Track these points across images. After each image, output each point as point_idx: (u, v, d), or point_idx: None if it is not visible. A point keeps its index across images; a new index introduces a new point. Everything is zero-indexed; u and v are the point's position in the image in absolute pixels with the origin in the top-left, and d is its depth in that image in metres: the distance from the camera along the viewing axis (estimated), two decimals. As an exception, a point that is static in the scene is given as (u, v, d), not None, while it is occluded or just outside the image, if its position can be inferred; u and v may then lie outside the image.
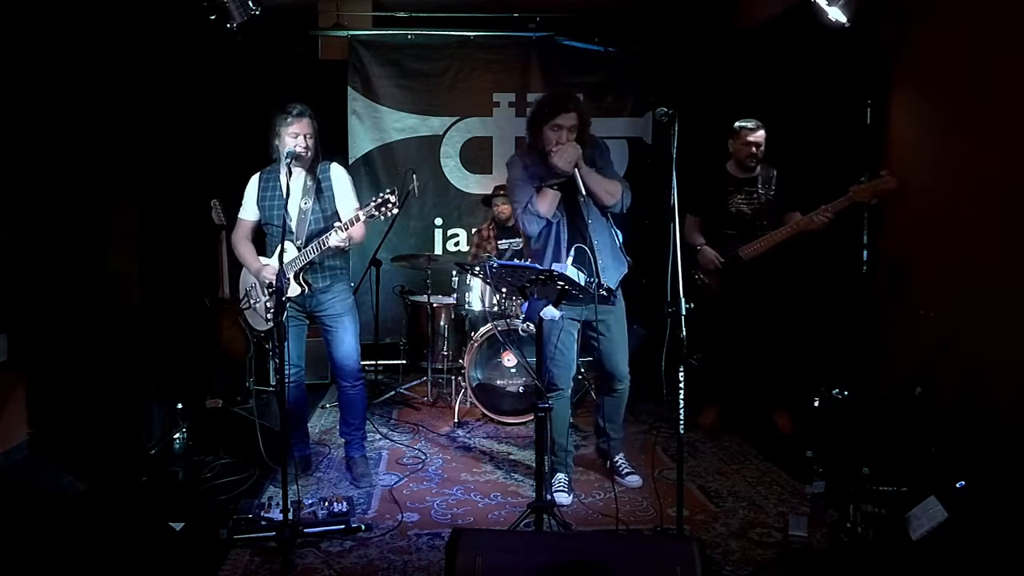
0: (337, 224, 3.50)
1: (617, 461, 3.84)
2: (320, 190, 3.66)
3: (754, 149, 4.29)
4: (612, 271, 3.48)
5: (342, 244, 3.52)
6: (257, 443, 3.83)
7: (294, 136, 3.52)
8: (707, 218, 4.48)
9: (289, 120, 3.52)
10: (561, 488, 3.66)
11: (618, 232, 3.57)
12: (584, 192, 3.29)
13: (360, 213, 3.47)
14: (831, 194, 4.12)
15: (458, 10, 6.25)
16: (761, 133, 4.29)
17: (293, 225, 3.60)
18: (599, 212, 3.46)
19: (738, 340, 4.50)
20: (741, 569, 2.94)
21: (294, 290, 3.62)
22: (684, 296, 2.84)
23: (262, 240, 3.82)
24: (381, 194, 3.43)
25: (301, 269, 3.60)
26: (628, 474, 3.81)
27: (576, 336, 3.64)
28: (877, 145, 4.35)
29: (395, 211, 3.43)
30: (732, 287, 4.38)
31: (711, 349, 4.61)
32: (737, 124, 4.36)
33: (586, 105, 3.46)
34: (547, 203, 3.36)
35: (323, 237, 3.52)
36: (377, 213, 3.42)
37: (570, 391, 3.69)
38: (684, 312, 2.84)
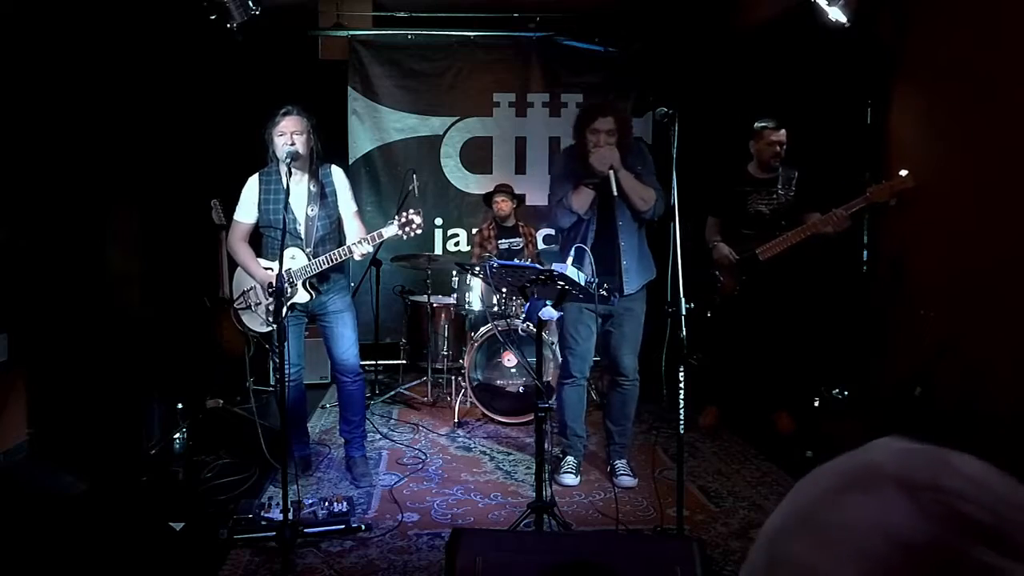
0: (363, 237, 3.50)
1: (617, 465, 3.83)
2: (324, 195, 3.65)
3: (778, 149, 4.24)
4: (636, 274, 3.57)
5: (359, 258, 3.55)
6: (257, 443, 3.83)
7: (280, 135, 3.48)
8: (725, 218, 4.45)
9: (276, 120, 3.50)
10: (569, 470, 3.78)
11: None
12: (616, 193, 3.39)
13: (384, 231, 3.48)
14: (833, 194, 4.12)
15: (458, 10, 6.25)
16: (783, 132, 4.23)
17: (301, 231, 3.59)
18: (631, 216, 3.55)
19: (749, 339, 4.48)
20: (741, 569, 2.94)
21: (303, 297, 3.61)
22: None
23: (257, 241, 3.79)
24: (406, 212, 3.45)
25: (312, 276, 3.60)
26: (621, 474, 3.79)
27: (594, 328, 3.69)
28: (877, 145, 4.35)
29: (419, 231, 3.49)
30: (747, 286, 4.36)
31: (721, 348, 4.58)
32: (757, 125, 4.29)
33: (625, 112, 3.57)
34: (581, 199, 3.51)
35: (340, 249, 3.52)
36: (401, 232, 3.46)
37: (585, 381, 3.82)
38: (684, 312, 2.84)
